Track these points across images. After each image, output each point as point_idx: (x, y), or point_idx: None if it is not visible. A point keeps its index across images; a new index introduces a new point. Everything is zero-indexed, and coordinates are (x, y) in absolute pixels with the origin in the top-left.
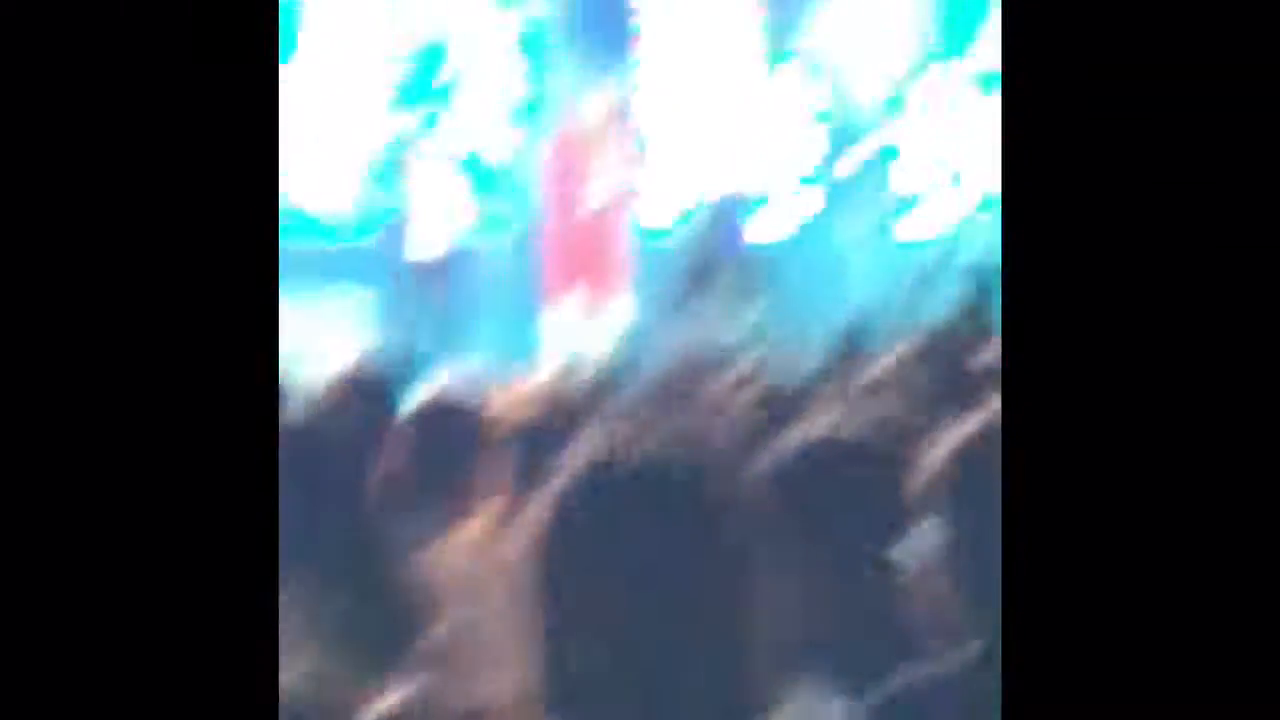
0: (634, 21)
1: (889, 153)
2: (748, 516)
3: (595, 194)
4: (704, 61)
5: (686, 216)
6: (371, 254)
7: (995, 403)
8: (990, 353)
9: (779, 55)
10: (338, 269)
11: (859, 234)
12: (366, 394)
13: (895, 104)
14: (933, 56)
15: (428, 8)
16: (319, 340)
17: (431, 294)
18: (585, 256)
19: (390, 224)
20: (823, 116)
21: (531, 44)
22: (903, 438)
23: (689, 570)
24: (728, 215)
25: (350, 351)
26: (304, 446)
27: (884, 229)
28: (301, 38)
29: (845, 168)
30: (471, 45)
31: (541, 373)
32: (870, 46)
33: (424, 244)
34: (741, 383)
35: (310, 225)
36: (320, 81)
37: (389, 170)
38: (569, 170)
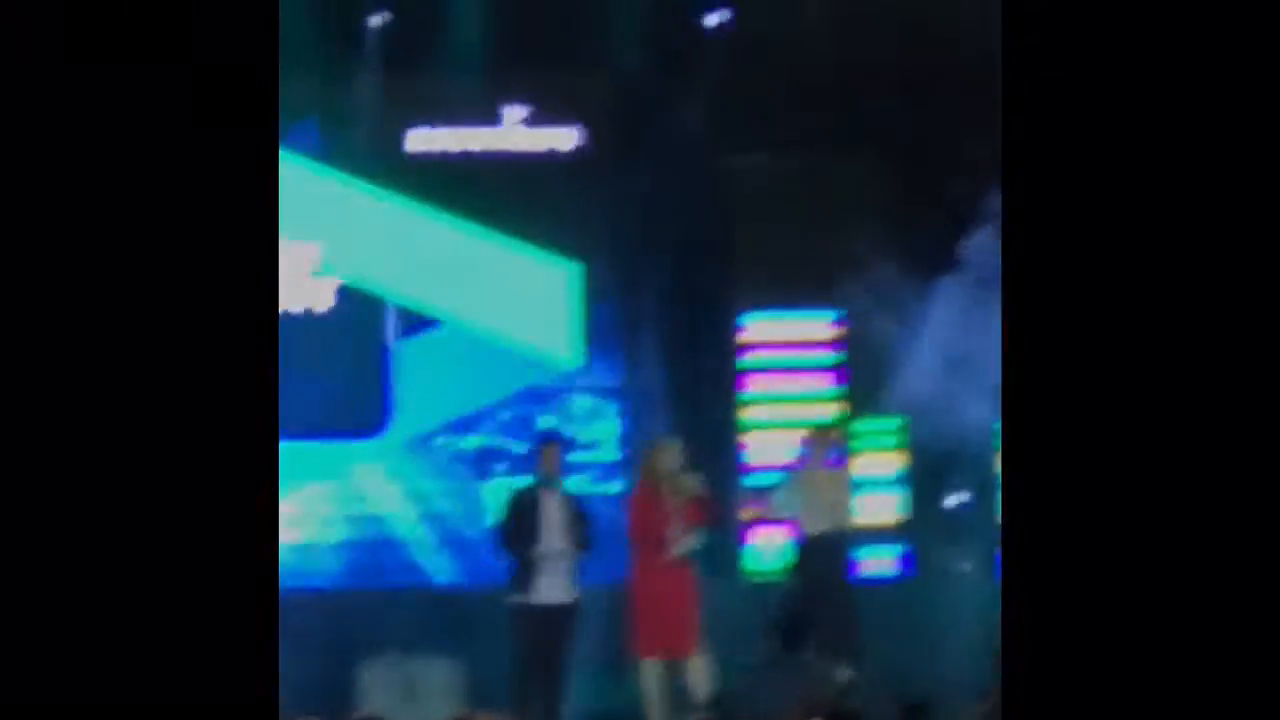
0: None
1: (992, 489)
2: None
3: (673, 543)
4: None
5: (788, 554)
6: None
7: None
8: None
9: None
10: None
11: (966, 569)
12: None
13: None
14: None
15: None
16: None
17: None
18: (671, 609)
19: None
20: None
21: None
22: None
23: None
24: (832, 552)
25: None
26: None
27: (993, 562)
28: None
29: (953, 500)
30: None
31: None
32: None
33: (547, 591)
34: None
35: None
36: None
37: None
38: (650, 521)
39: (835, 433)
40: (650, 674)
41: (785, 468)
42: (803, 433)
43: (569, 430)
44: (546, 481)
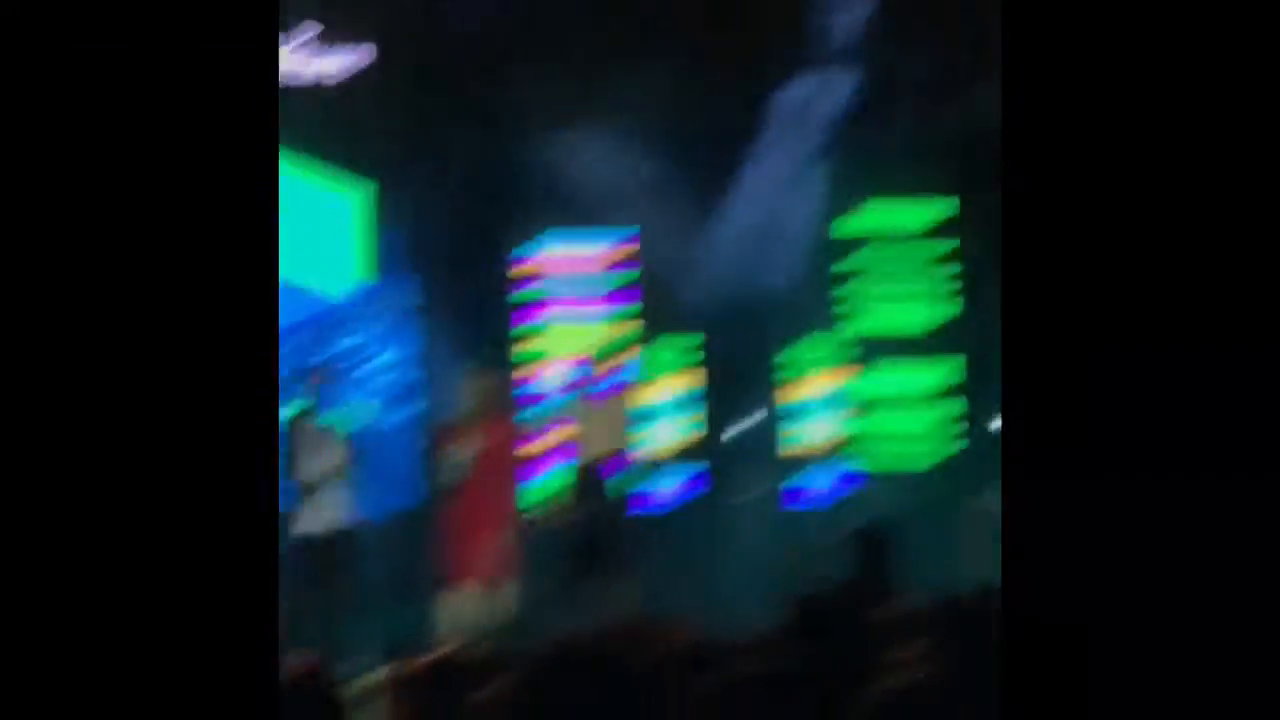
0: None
1: (779, 416)
2: None
3: (480, 474)
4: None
5: (567, 484)
6: None
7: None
8: (891, 610)
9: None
10: None
11: (746, 500)
12: None
13: (789, 368)
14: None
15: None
16: None
17: (323, 574)
18: (475, 536)
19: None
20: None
21: (412, 325)
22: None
23: None
24: (602, 483)
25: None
26: None
27: (772, 495)
28: None
29: (732, 433)
30: (356, 324)
31: (439, 648)
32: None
33: (314, 522)
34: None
35: None
36: None
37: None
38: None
39: (612, 357)
40: (454, 600)
41: (565, 393)
42: (580, 357)
43: (361, 353)
44: (309, 410)
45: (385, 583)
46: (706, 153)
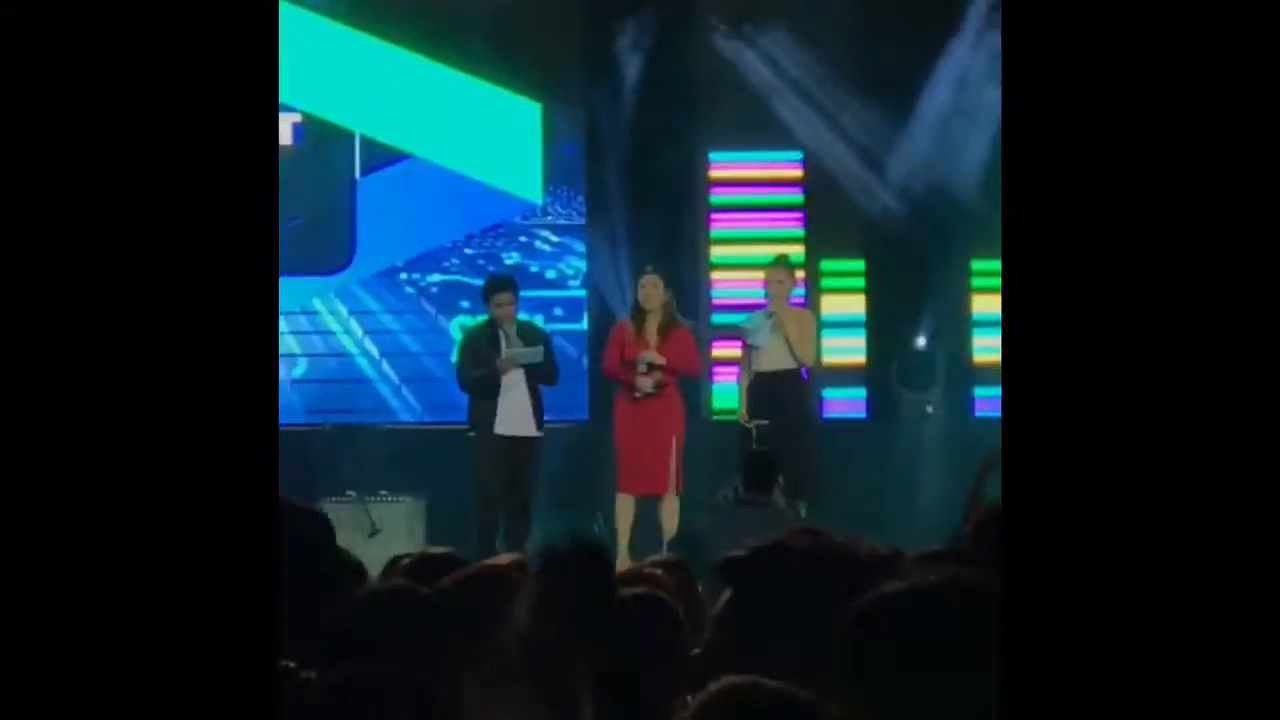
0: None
1: (970, 325)
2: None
3: (650, 380)
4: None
5: (753, 392)
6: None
7: None
8: None
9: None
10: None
11: (934, 408)
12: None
13: (979, 277)
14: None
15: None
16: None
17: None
18: (644, 447)
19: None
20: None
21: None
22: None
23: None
24: (796, 391)
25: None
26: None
27: (962, 401)
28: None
29: (922, 340)
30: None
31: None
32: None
33: (510, 424)
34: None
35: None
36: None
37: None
38: (623, 357)
39: (798, 271)
40: (622, 510)
41: (751, 306)
42: (766, 271)
43: (533, 267)
44: (501, 324)
45: (557, 491)
46: (894, 57)
